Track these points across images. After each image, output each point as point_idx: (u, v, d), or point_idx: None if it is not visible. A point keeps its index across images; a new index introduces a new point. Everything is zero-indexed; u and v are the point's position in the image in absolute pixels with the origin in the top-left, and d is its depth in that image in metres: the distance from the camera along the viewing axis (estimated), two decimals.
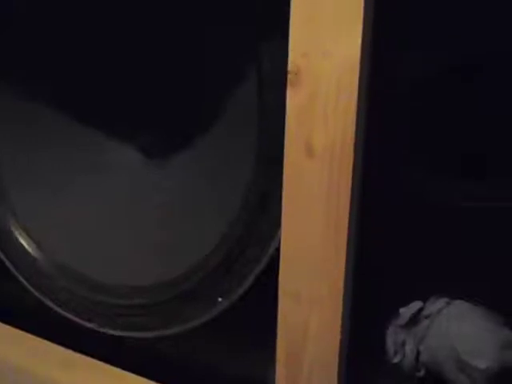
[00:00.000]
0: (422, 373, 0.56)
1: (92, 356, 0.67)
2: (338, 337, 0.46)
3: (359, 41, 0.40)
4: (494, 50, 0.52)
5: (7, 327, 0.71)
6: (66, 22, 0.64)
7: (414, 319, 0.56)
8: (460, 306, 0.55)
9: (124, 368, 0.65)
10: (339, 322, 0.46)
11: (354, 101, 0.41)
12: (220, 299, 0.56)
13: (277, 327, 0.49)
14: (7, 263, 0.69)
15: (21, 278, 0.68)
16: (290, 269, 0.47)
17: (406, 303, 0.56)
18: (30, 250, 0.67)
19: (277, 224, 0.50)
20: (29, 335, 0.70)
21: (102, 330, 0.64)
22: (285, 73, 0.44)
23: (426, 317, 0.55)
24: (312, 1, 0.41)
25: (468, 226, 0.55)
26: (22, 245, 0.68)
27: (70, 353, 0.67)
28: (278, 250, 0.49)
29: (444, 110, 0.54)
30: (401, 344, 0.56)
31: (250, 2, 0.50)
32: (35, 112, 0.67)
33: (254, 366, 0.62)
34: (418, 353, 0.55)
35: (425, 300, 0.56)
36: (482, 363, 0.52)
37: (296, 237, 0.46)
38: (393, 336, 0.56)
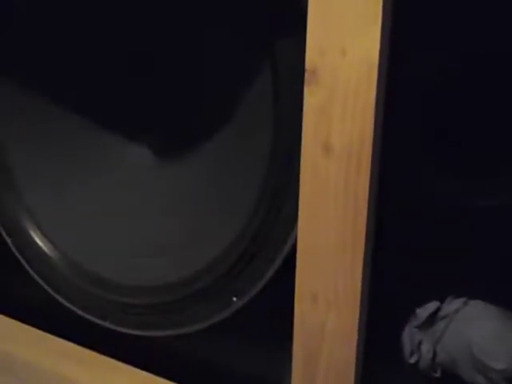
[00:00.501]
0: (438, 373, 0.56)
1: (105, 354, 0.67)
2: (355, 337, 0.46)
3: (378, 38, 0.40)
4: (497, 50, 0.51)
5: (21, 325, 0.71)
6: (71, 20, 0.64)
7: (431, 320, 0.55)
8: (477, 307, 0.55)
9: (138, 366, 0.65)
10: (356, 322, 0.45)
11: (372, 99, 0.41)
12: (235, 299, 0.56)
13: (292, 327, 0.49)
14: (22, 262, 0.69)
15: (36, 277, 0.68)
16: (306, 269, 0.47)
17: (422, 304, 0.56)
18: (44, 248, 0.68)
19: (292, 224, 0.50)
20: (42, 333, 0.70)
21: (115, 328, 0.64)
22: (301, 71, 0.43)
23: (443, 317, 0.55)
24: None
25: (485, 226, 0.55)
26: (36, 243, 0.68)
27: (84, 350, 0.67)
28: (294, 249, 0.48)
29: (460, 109, 0.54)
30: (417, 344, 0.56)
31: None
32: (48, 112, 0.67)
33: (268, 366, 0.61)
34: (435, 353, 0.55)
35: (442, 300, 0.56)
36: (498, 364, 0.51)
37: (313, 236, 0.46)
38: (409, 336, 0.56)
